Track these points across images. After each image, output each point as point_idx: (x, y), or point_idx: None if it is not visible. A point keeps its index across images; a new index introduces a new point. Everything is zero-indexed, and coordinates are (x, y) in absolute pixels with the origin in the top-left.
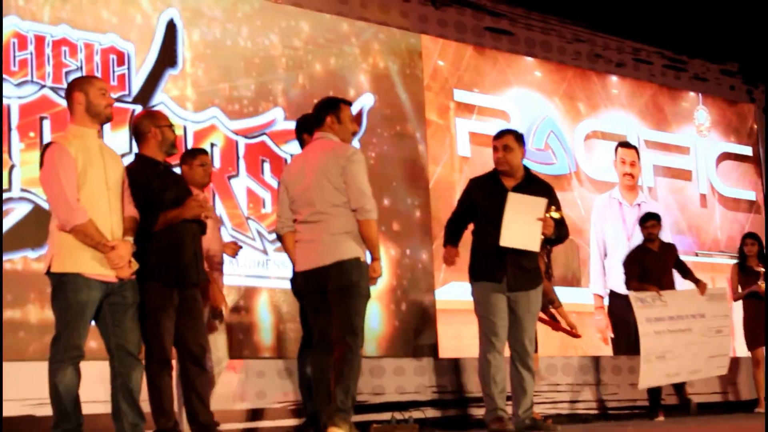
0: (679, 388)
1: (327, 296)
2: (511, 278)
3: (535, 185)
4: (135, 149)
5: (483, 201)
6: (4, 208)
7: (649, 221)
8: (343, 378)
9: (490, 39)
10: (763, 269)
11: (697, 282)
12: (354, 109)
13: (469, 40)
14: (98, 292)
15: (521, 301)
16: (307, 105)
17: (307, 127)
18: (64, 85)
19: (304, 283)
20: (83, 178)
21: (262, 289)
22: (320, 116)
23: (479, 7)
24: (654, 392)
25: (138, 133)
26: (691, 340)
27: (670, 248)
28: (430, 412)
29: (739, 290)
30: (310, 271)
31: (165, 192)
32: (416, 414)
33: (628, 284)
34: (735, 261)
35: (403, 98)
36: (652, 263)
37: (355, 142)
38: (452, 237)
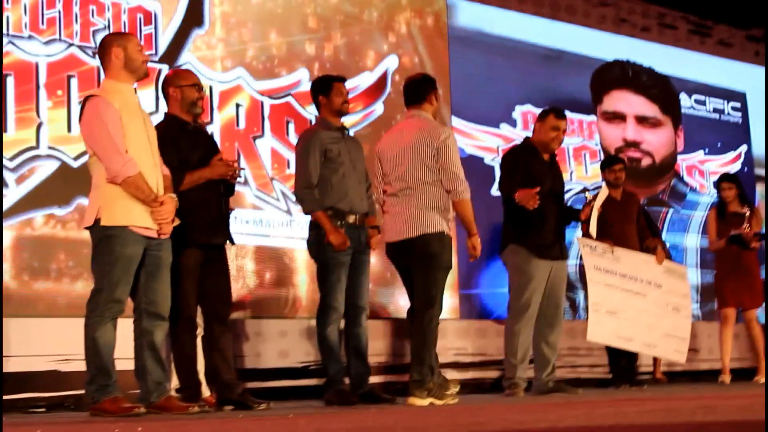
0: (631, 365)
1: (411, 267)
2: (557, 248)
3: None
4: (162, 109)
5: (541, 175)
6: (32, 165)
7: (616, 164)
8: (416, 350)
9: (515, 2)
10: (747, 210)
11: (654, 248)
12: (379, 73)
13: (495, 2)
14: (141, 247)
15: (560, 269)
16: (334, 66)
17: (322, 89)
18: (92, 44)
19: (391, 254)
20: (127, 131)
21: (285, 249)
22: (419, 94)
23: None
24: (615, 361)
25: (163, 92)
26: (644, 307)
27: (633, 198)
28: (450, 375)
29: (717, 239)
30: (397, 243)
31: (191, 152)
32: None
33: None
34: (712, 207)
35: (426, 59)
36: (613, 213)
37: (379, 105)
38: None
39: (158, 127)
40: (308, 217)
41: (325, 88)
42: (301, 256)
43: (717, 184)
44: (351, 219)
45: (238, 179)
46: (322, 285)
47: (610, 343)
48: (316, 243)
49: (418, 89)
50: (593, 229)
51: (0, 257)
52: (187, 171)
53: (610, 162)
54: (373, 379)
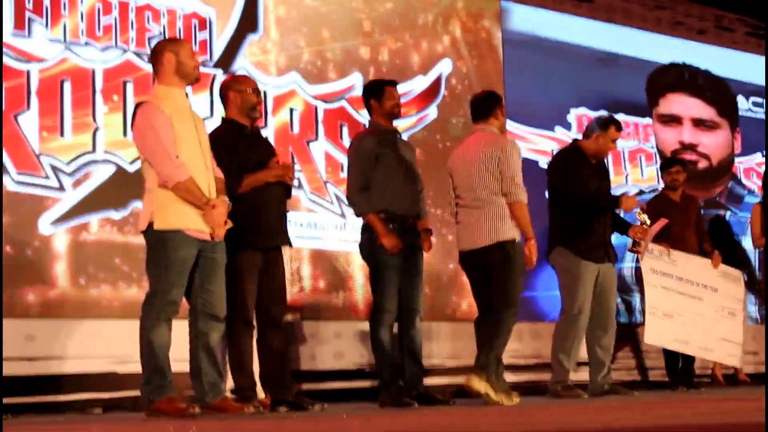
0: (688, 367)
1: (488, 273)
2: (603, 251)
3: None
4: (216, 113)
5: (588, 177)
6: (88, 170)
7: (674, 166)
8: (487, 338)
9: (570, 6)
10: None
11: (711, 252)
12: (433, 77)
13: (549, 6)
14: (195, 250)
15: (609, 272)
16: (388, 70)
17: (374, 93)
18: (147, 50)
19: (464, 262)
20: (178, 136)
21: (339, 252)
22: (484, 110)
23: None
24: (672, 364)
25: (222, 97)
26: (700, 311)
27: (693, 201)
28: (505, 377)
29: (760, 236)
30: (470, 252)
31: (249, 155)
32: None
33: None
34: (758, 201)
35: (480, 63)
36: (672, 215)
37: (433, 109)
38: None
39: (216, 131)
40: (361, 220)
41: (377, 91)
42: (356, 259)
43: (764, 175)
44: (404, 221)
45: (294, 182)
46: (375, 287)
47: (667, 345)
48: (368, 246)
49: (483, 105)
50: (642, 258)
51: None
52: (245, 173)
53: (667, 164)
54: (432, 381)
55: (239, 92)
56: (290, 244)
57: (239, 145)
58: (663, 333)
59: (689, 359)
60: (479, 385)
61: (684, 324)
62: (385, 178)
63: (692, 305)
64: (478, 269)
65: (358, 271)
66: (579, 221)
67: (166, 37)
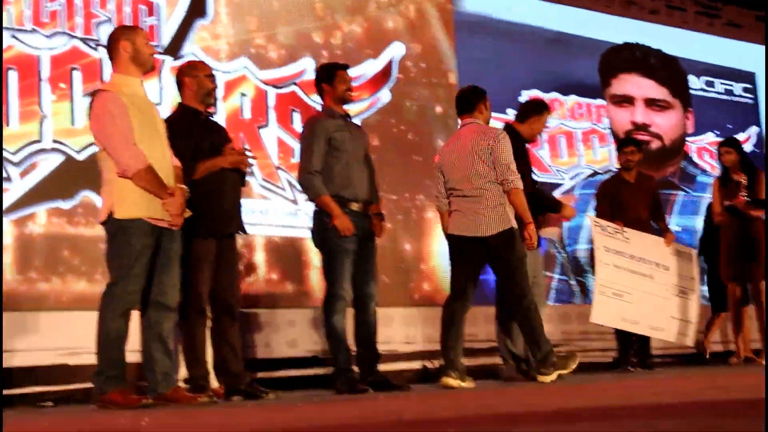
0: (644, 348)
1: (487, 262)
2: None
3: None
4: (166, 100)
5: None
6: (36, 159)
7: (628, 146)
8: (529, 337)
9: None
10: (743, 179)
11: (665, 231)
12: (385, 60)
13: None
14: (154, 239)
15: (537, 259)
16: (339, 55)
17: (326, 77)
18: (95, 37)
19: (454, 245)
20: (136, 124)
21: (292, 239)
22: (471, 102)
23: None
24: (623, 344)
25: (178, 82)
26: (651, 290)
27: (649, 180)
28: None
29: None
30: (465, 237)
31: (204, 141)
32: None
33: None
34: (716, 176)
35: (432, 46)
36: (628, 196)
37: (385, 93)
38: None
39: (171, 117)
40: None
41: (329, 76)
42: (309, 246)
43: (717, 149)
44: (355, 207)
45: (248, 168)
46: (328, 274)
47: (615, 325)
48: (320, 231)
49: (468, 100)
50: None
51: (0, 253)
52: (200, 160)
53: (622, 144)
54: (388, 367)
55: (195, 78)
56: (245, 232)
57: (194, 131)
58: (611, 312)
59: (645, 338)
60: (550, 378)
61: (634, 303)
62: (336, 162)
63: (643, 284)
64: (467, 256)
65: (311, 258)
66: None
67: (114, 23)
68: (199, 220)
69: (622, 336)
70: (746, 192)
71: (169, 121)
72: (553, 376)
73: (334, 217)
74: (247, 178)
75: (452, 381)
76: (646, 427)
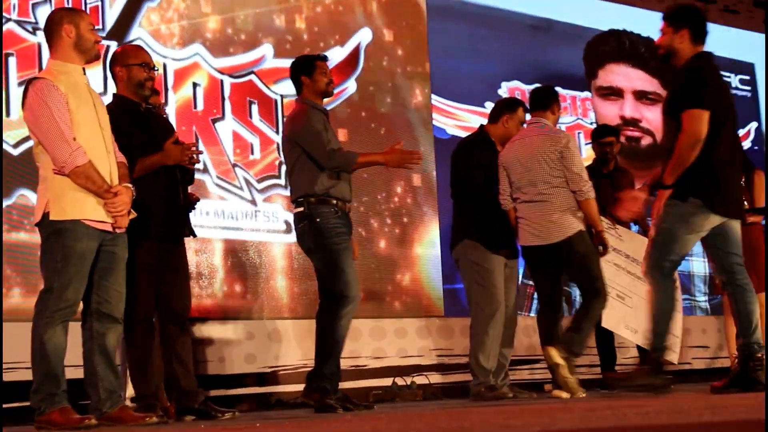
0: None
1: (561, 268)
2: (516, 248)
3: None
4: (110, 90)
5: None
6: None
7: (608, 137)
8: (578, 323)
9: None
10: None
11: (646, 229)
12: (351, 47)
13: None
14: (95, 242)
15: (515, 269)
16: (299, 41)
17: (305, 70)
18: (32, 19)
19: (528, 256)
20: (75, 117)
21: (250, 243)
22: (547, 101)
23: None
24: (606, 348)
25: (111, 72)
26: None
27: (627, 175)
28: (435, 378)
29: None
30: (536, 247)
31: (141, 136)
32: (419, 380)
33: None
34: None
35: (402, 33)
36: (606, 190)
37: (352, 83)
38: None
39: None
40: (275, 207)
41: (308, 67)
42: (269, 250)
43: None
44: (345, 207)
45: (197, 165)
46: (331, 275)
47: (618, 331)
48: (313, 232)
49: (545, 98)
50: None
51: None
52: (138, 157)
53: (599, 134)
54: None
55: (125, 67)
56: (194, 234)
57: (129, 125)
58: (616, 316)
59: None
60: (556, 356)
61: (635, 309)
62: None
63: (641, 287)
64: (540, 264)
65: (272, 263)
66: (489, 213)
67: (53, 4)
68: (141, 223)
69: (605, 354)
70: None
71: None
72: (558, 360)
73: (379, 160)
74: (201, 176)
75: (562, 393)
76: None
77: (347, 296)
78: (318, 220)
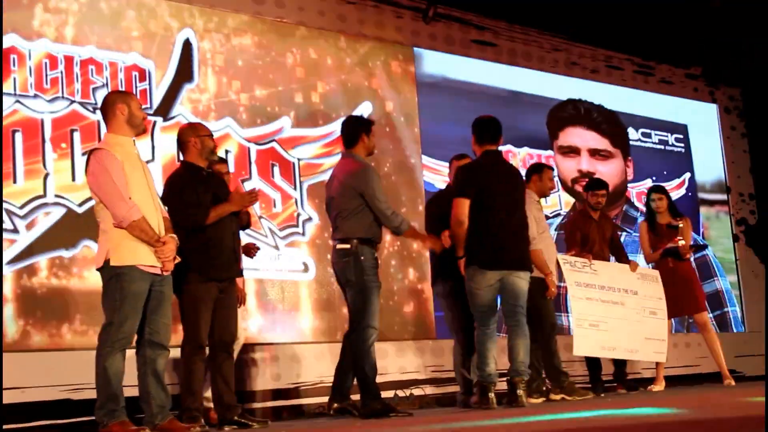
0: (620, 371)
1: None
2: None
3: None
4: (156, 158)
5: None
6: (41, 212)
7: (601, 189)
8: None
9: (475, 50)
10: (681, 223)
11: (627, 262)
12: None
13: (457, 51)
14: (147, 283)
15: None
16: (312, 114)
17: (366, 129)
18: (92, 101)
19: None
20: (129, 180)
21: (274, 281)
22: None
23: (466, 21)
24: (594, 368)
25: (181, 142)
26: (623, 315)
27: (610, 221)
28: (429, 390)
29: (651, 252)
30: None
31: (208, 192)
32: (416, 391)
33: (569, 251)
34: (642, 218)
35: (398, 104)
36: (594, 232)
37: None
38: None
39: (175, 173)
40: (294, 252)
41: (369, 127)
42: (290, 287)
43: (648, 194)
44: (377, 248)
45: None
46: (361, 308)
47: (595, 354)
48: (355, 267)
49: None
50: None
51: (0, 292)
52: (208, 208)
53: (595, 186)
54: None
55: (199, 137)
56: (242, 275)
57: (198, 186)
58: (591, 343)
59: (620, 362)
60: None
61: (609, 331)
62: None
63: (616, 311)
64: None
65: (293, 297)
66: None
67: (109, 87)
68: (202, 265)
69: (591, 362)
70: (682, 236)
71: (176, 176)
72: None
73: (427, 241)
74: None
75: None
76: None
77: (374, 327)
78: (362, 257)
